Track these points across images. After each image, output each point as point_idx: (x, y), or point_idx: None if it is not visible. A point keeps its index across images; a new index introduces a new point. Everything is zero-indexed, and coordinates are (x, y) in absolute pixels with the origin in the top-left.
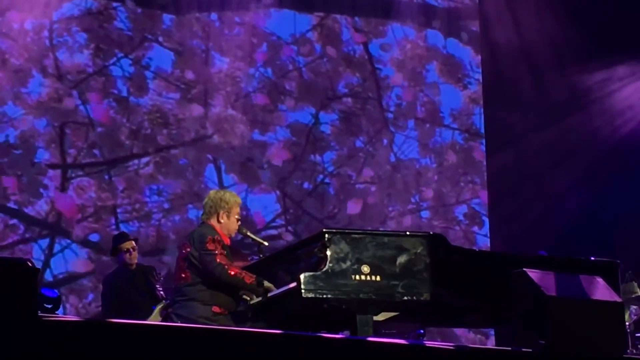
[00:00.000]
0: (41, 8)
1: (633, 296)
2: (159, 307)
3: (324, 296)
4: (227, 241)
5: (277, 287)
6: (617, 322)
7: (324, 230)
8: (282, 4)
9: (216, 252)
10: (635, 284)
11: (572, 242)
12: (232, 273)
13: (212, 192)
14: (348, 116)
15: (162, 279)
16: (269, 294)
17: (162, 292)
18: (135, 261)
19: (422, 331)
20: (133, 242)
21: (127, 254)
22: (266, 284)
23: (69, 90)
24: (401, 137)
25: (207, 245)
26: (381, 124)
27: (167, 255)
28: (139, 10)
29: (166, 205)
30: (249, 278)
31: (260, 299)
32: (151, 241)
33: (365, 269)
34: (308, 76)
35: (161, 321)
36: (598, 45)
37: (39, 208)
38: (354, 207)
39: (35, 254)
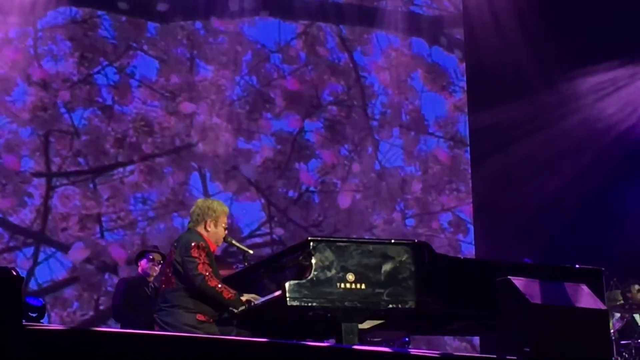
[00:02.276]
0: (25, 16)
1: (617, 304)
2: None
3: (309, 304)
4: (214, 248)
5: (262, 296)
6: (601, 329)
7: (309, 238)
8: (267, 12)
9: (199, 260)
10: (620, 292)
11: (557, 250)
12: (211, 285)
13: (199, 201)
14: (333, 124)
15: None
16: (252, 304)
17: None
18: (154, 274)
19: (407, 339)
20: (159, 255)
21: (150, 263)
22: (246, 296)
23: (54, 98)
24: (386, 145)
25: (192, 251)
26: (366, 131)
27: None
28: (124, 18)
29: (151, 214)
30: (228, 293)
31: (244, 307)
32: (136, 250)
33: (350, 277)
34: (293, 84)
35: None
36: (583, 52)
37: (24, 216)
38: (338, 215)
39: (20, 262)
